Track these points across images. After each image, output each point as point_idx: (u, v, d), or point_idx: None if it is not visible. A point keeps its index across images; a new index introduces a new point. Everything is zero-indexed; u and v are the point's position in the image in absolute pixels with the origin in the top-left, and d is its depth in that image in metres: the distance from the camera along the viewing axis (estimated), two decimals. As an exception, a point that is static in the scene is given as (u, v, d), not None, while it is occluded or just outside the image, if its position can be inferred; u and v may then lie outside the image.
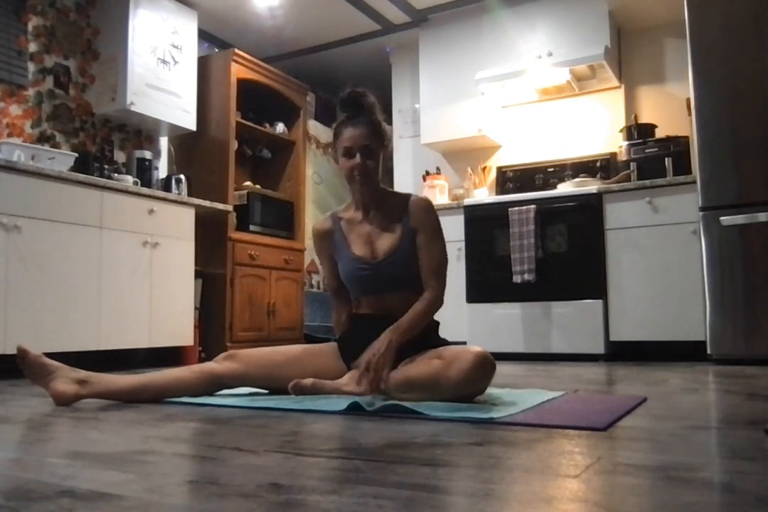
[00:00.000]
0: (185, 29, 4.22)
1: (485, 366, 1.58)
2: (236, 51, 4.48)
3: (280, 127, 4.97)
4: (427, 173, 4.60)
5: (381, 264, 1.84)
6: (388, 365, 1.64)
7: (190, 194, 4.10)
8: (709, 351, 3.14)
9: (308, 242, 5.11)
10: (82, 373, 1.74)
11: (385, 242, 1.87)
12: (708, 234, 3.18)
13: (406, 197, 1.92)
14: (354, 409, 1.54)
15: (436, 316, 1.86)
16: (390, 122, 5.09)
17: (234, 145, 4.45)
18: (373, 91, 1.92)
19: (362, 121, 1.85)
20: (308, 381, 1.81)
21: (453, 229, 3.99)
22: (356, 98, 1.89)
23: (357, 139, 1.83)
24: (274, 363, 1.83)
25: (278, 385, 1.84)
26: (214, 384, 1.83)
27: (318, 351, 1.90)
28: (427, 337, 1.81)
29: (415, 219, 1.85)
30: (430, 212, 1.87)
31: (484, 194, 4.36)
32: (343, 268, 1.92)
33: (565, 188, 3.87)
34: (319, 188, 5.40)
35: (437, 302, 1.79)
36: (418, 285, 1.84)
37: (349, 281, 1.92)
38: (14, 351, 1.72)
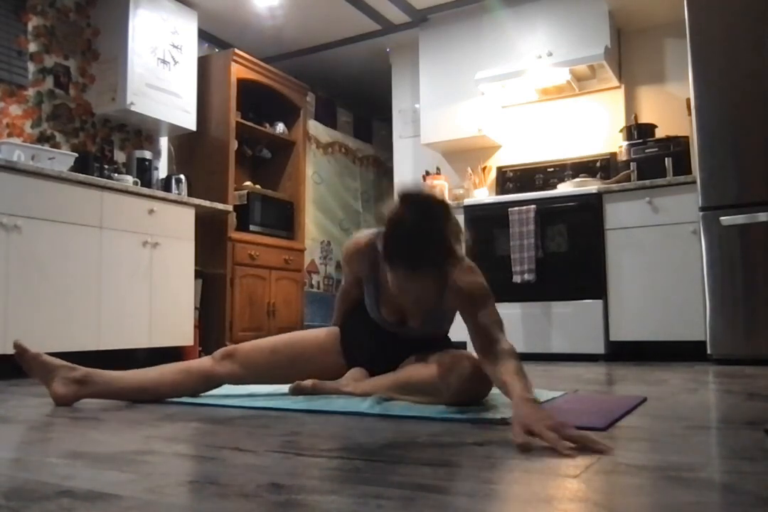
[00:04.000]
0: (185, 29, 4.22)
1: (485, 375, 1.55)
2: (236, 51, 4.48)
3: (280, 127, 4.97)
4: (427, 173, 4.60)
5: (405, 329, 1.74)
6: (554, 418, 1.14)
7: (190, 194, 4.10)
8: (709, 351, 3.14)
9: (308, 242, 5.12)
10: (81, 371, 1.72)
11: (416, 315, 1.65)
12: (708, 234, 3.18)
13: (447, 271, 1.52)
14: (354, 410, 1.53)
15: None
16: (391, 124, 5.09)
17: (234, 145, 4.45)
18: (442, 222, 1.41)
19: (426, 272, 1.42)
20: (308, 382, 1.81)
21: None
22: (419, 258, 1.39)
23: (415, 290, 1.47)
24: (275, 365, 1.81)
25: (279, 383, 1.87)
26: (213, 384, 1.83)
27: (319, 347, 1.85)
28: (434, 341, 1.80)
29: (455, 298, 1.55)
30: (476, 292, 1.53)
31: (484, 194, 4.35)
32: (367, 305, 1.77)
33: (565, 188, 3.87)
34: (319, 188, 5.40)
35: (515, 351, 1.43)
36: (440, 330, 1.79)
37: (370, 314, 1.79)
38: (14, 351, 1.72)
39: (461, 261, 1.55)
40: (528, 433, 1.08)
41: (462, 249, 1.51)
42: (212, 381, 1.81)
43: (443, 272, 1.46)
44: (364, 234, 1.74)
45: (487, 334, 1.45)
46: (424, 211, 1.40)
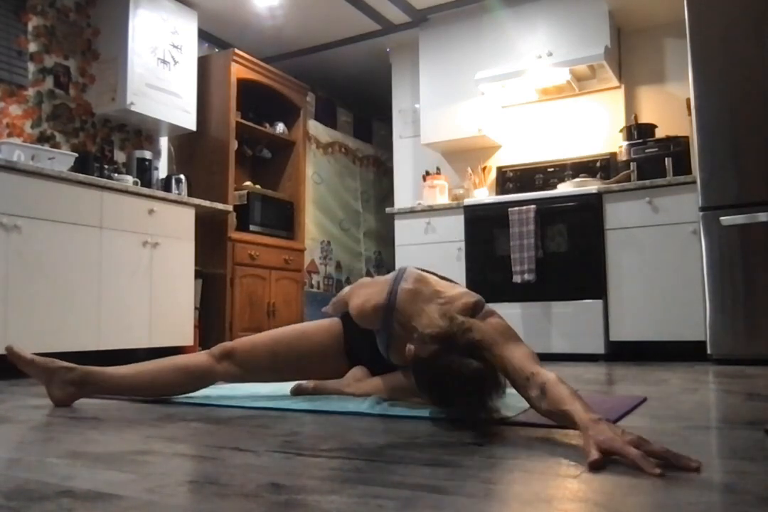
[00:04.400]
0: (185, 29, 4.22)
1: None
2: (236, 51, 4.48)
3: (280, 127, 4.97)
4: (427, 173, 4.60)
5: None
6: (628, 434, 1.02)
7: (190, 194, 4.10)
8: (709, 351, 3.14)
9: (308, 242, 5.12)
10: (79, 372, 1.70)
11: None
12: (708, 234, 3.18)
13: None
14: (354, 410, 1.54)
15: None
16: (391, 124, 5.10)
17: (234, 145, 4.45)
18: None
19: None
20: (309, 384, 1.81)
21: (453, 229, 4.00)
22: (451, 407, 1.39)
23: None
24: (275, 367, 1.81)
25: (279, 382, 1.90)
26: (210, 382, 1.83)
27: (320, 347, 1.82)
28: None
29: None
30: (498, 339, 1.46)
31: (484, 194, 4.35)
32: (377, 343, 1.71)
33: (565, 188, 3.87)
34: (319, 188, 5.40)
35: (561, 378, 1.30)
36: None
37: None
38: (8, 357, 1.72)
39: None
40: (604, 452, 0.96)
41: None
42: (210, 380, 1.81)
43: None
44: (375, 299, 1.63)
45: (523, 369, 1.33)
46: (465, 378, 1.29)
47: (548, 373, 1.27)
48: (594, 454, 0.96)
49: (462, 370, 1.28)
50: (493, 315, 1.51)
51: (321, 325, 1.87)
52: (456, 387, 1.30)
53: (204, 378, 1.79)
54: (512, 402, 1.60)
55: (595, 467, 0.94)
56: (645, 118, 4.11)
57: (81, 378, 1.70)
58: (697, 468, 0.92)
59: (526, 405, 1.53)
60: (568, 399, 1.17)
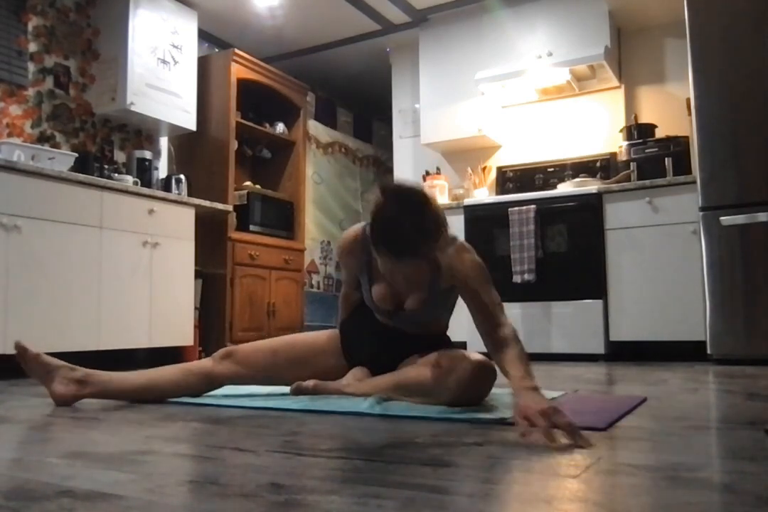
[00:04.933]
0: (185, 29, 4.22)
1: (484, 376, 1.55)
2: (236, 51, 4.48)
3: (280, 127, 4.97)
4: (427, 173, 4.60)
5: (401, 314, 1.71)
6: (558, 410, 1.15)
7: (190, 194, 4.10)
8: (709, 351, 3.14)
9: (308, 242, 5.12)
10: (81, 372, 1.72)
11: (411, 298, 1.65)
12: (708, 234, 3.18)
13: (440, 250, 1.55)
14: (354, 410, 1.53)
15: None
16: (391, 124, 5.10)
17: (234, 145, 4.45)
18: (431, 214, 1.43)
19: (411, 259, 1.46)
20: (309, 383, 1.81)
21: (453, 229, 3.99)
22: (401, 248, 1.42)
23: (404, 272, 1.51)
24: (276, 366, 1.81)
25: (279, 384, 1.88)
26: (213, 385, 1.83)
27: (319, 347, 1.85)
28: (434, 339, 1.80)
29: (453, 279, 1.60)
30: (471, 270, 1.57)
31: (484, 194, 4.35)
32: (364, 296, 1.78)
33: (565, 188, 3.87)
34: (319, 188, 5.40)
35: (517, 335, 1.49)
36: (439, 319, 1.80)
37: (366, 302, 1.80)
38: (14, 351, 1.72)
39: (453, 243, 1.60)
40: (527, 420, 1.12)
41: (448, 232, 1.52)
42: (212, 381, 1.81)
43: (431, 255, 1.49)
44: (354, 227, 1.78)
45: (488, 317, 1.50)
46: (403, 202, 1.43)
47: (509, 328, 1.46)
48: (519, 426, 1.12)
49: (415, 215, 1.40)
50: (470, 252, 1.61)
51: (321, 332, 1.93)
52: (411, 229, 1.38)
53: (205, 377, 1.79)
54: (511, 402, 1.60)
55: (522, 436, 1.10)
56: (645, 118, 4.11)
57: (83, 378, 1.71)
58: (581, 446, 1.07)
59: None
60: (512, 362, 1.36)
